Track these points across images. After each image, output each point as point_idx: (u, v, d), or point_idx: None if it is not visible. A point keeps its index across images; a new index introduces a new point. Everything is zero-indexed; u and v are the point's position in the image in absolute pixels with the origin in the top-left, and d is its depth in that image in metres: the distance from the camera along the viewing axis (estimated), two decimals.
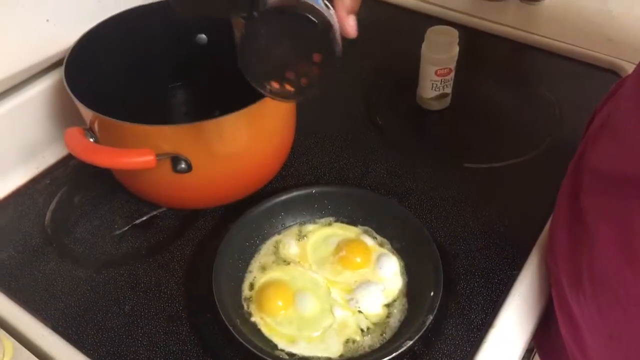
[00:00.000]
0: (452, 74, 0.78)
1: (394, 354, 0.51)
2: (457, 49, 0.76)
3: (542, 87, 0.86)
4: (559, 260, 0.54)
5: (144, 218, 0.67)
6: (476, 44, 0.96)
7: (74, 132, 0.58)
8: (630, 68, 0.85)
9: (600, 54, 0.89)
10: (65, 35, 0.67)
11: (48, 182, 0.72)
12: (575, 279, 0.50)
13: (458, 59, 0.77)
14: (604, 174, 0.48)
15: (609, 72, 0.87)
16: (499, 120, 0.81)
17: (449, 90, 0.80)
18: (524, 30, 0.95)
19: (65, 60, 0.63)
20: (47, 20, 0.67)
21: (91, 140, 0.59)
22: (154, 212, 0.67)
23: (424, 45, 0.76)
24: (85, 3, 0.70)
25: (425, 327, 0.52)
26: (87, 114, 0.59)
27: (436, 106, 0.81)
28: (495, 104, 0.85)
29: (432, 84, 0.78)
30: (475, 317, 0.57)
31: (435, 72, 0.76)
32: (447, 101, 0.81)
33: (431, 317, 0.53)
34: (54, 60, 0.70)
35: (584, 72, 0.88)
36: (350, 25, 0.45)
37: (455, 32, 0.76)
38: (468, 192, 0.70)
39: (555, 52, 0.92)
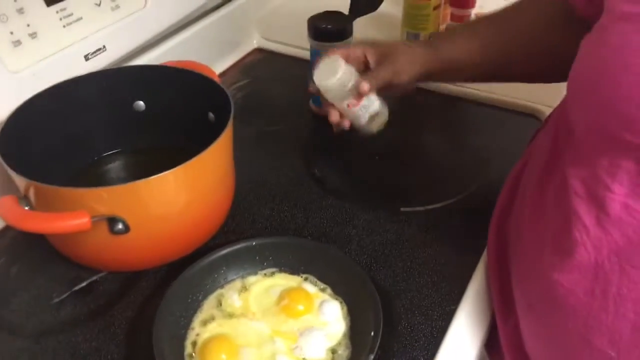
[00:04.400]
0: (367, 96, 0.70)
1: None
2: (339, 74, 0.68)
3: (470, 135, 0.91)
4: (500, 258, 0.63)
5: (84, 284, 0.66)
6: (408, 98, 1.01)
7: (7, 200, 0.58)
8: (548, 111, 0.91)
9: (521, 100, 0.95)
10: None
11: None
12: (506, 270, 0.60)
13: (395, 112, 0.78)
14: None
15: (530, 117, 0.93)
16: (432, 166, 0.86)
17: (376, 107, 0.73)
18: (450, 84, 1.01)
19: None
20: None
21: (26, 208, 0.60)
22: (94, 277, 0.67)
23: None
24: (19, 76, 0.71)
25: None
26: (21, 182, 0.60)
27: (375, 127, 0.74)
28: (428, 151, 0.90)
29: (354, 113, 0.72)
30: (418, 354, 0.58)
31: (348, 106, 0.71)
32: (382, 118, 0.74)
33: (372, 356, 0.53)
34: None
35: (507, 117, 0.94)
36: (364, 85, 0.65)
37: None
38: (405, 234, 0.72)
39: (481, 102, 0.98)
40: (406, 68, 0.69)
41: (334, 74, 0.66)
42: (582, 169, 0.46)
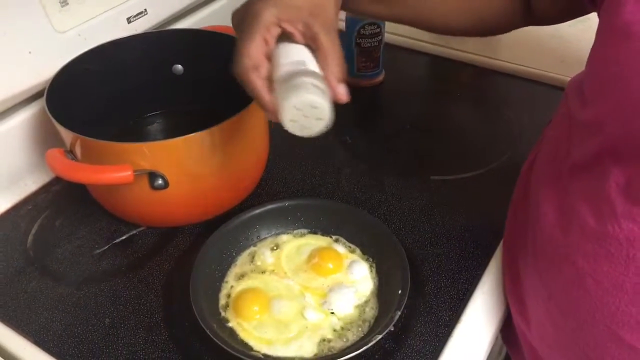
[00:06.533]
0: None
1: (363, 348, 0.53)
2: None
3: (503, 106, 0.91)
4: (515, 241, 0.60)
5: (124, 237, 0.69)
6: (442, 70, 1.02)
7: (55, 152, 0.61)
8: None
9: (555, 74, 0.95)
10: (46, 66, 0.71)
11: (30, 207, 0.74)
12: (523, 253, 0.57)
13: (427, 84, 0.81)
14: (552, 164, 0.55)
15: (562, 90, 0.92)
16: (463, 137, 0.86)
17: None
18: (484, 56, 1.01)
19: (46, 90, 0.67)
20: (30, 52, 0.71)
21: None
22: (134, 231, 0.70)
23: None
24: (65, 36, 0.74)
25: (394, 322, 0.55)
26: (67, 136, 0.62)
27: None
28: (460, 123, 0.90)
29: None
30: (443, 314, 0.60)
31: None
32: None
33: (399, 313, 0.55)
34: (35, 91, 0.74)
35: (540, 91, 0.94)
36: (341, 94, 0.52)
37: None
38: (434, 202, 0.73)
39: (514, 75, 0.97)
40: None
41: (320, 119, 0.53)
42: (628, 166, 0.44)
